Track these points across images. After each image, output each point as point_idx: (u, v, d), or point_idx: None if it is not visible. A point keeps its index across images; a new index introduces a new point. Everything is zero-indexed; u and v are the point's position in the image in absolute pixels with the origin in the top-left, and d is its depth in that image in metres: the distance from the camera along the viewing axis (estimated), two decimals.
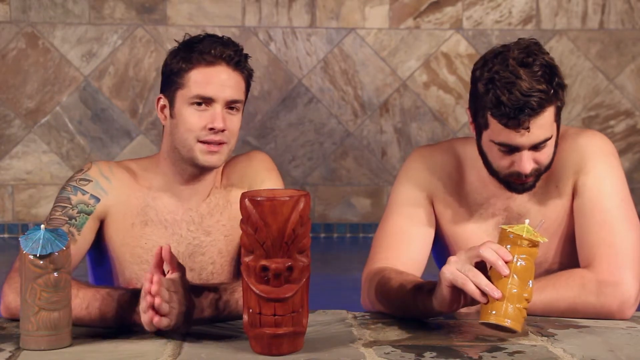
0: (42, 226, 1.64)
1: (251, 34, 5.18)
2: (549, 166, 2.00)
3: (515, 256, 1.65)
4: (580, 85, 5.24)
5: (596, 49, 5.25)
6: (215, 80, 1.97)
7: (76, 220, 1.98)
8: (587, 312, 1.91)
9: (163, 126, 2.08)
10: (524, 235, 1.65)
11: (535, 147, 1.94)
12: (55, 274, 1.62)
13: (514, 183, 1.99)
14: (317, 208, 5.21)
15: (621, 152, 5.11)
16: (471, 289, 1.66)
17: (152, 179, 2.07)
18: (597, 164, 2.04)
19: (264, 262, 1.56)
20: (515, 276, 1.65)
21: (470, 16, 5.22)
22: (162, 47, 5.00)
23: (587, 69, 5.23)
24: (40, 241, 1.61)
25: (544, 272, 2.06)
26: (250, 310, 1.59)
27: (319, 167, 5.25)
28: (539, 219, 2.06)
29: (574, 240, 2.03)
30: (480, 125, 1.97)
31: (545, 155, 1.96)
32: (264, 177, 2.10)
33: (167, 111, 2.03)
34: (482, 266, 1.68)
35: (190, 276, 2.01)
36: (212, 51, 1.97)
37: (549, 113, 1.91)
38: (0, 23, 5.07)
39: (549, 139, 1.94)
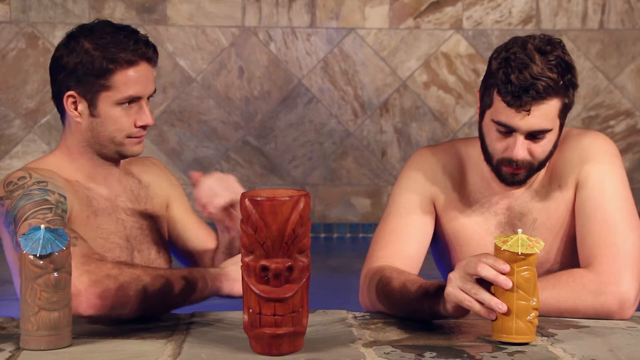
0: (42, 226, 1.64)
1: (251, 34, 5.18)
2: (542, 164, 2.01)
3: (516, 271, 1.64)
4: (580, 85, 5.20)
5: (596, 49, 5.26)
6: (142, 79, 2.00)
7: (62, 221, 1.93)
8: (587, 312, 1.91)
9: (64, 119, 2.06)
10: (519, 253, 1.64)
11: (533, 137, 1.95)
12: (55, 274, 1.62)
13: (505, 171, 2.00)
14: (317, 208, 5.21)
15: (621, 152, 5.07)
16: (477, 309, 1.65)
17: (73, 174, 2.04)
18: (600, 164, 2.04)
19: (264, 262, 1.56)
20: (520, 290, 1.64)
21: (470, 16, 5.22)
22: (162, 47, 5.00)
23: (587, 69, 5.23)
24: (40, 241, 1.61)
25: (545, 272, 2.06)
26: (250, 310, 1.59)
27: (319, 167, 5.25)
28: (541, 218, 2.06)
29: (576, 239, 2.04)
30: (485, 105, 2.00)
31: (540, 149, 1.97)
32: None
33: (83, 109, 2.01)
34: (483, 279, 1.67)
35: (139, 258, 2.07)
36: (136, 50, 1.99)
37: (554, 104, 1.93)
38: (0, 23, 5.08)
39: (548, 131, 1.95)
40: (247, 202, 1.56)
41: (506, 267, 1.63)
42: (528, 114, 1.92)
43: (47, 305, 1.62)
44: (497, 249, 1.65)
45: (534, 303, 1.65)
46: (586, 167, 2.04)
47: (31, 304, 1.62)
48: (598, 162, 2.04)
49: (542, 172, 2.08)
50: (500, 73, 1.93)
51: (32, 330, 1.62)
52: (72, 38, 2.02)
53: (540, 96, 1.91)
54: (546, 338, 1.74)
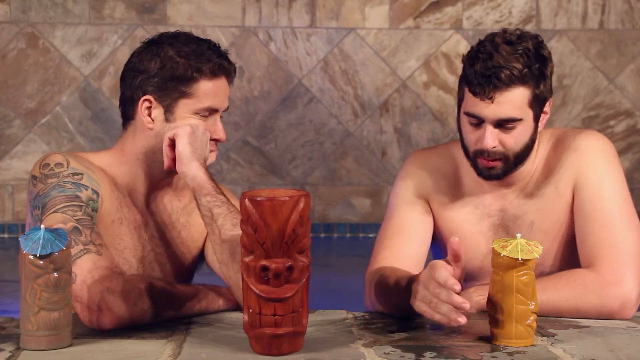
0: (42, 226, 1.64)
1: (251, 34, 5.18)
2: (519, 157, 2.00)
3: (515, 275, 1.64)
4: (580, 85, 5.24)
5: (596, 49, 5.25)
6: (221, 93, 1.99)
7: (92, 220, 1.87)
8: (588, 312, 1.91)
9: (128, 124, 2.01)
10: (519, 259, 1.63)
11: (502, 126, 1.96)
12: (55, 274, 1.62)
13: (481, 164, 2.01)
14: (317, 208, 5.21)
15: (621, 152, 5.10)
16: (437, 319, 1.66)
17: (118, 176, 2.00)
18: (597, 164, 2.04)
19: (264, 262, 1.56)
20: (519, 295, 1.64)
21: (470, 16, 5.22)
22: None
23: (587, 69, 5.23)
24: (40, 241, 1.61)
25: (544, 274, 2.06)
26: (250, 310, 1.59)
27: (319, 167, 5.25)
28: (537, 220, 2.06)
29: (574, 241, 2.03)
30: (460, 100, 2.03)
31: (513, 139, 1.98)
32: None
33: (157, 115, 1.97)
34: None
35: None
36: (220, 64, 1.97)
37: (521, 94, 1.94)
38: (0, 23, 5.07)
39: (517, 120, 1.96)
40: (247, 202, 1.57)
41: (466, 306, 1.62)
42: (492, 102, 1.94)
43: (47, 305, 1.62)
44: (496, 254, 1.65)
45: (533, 307, 1.65)
46: (584, 167, 2.04)
47: (31, 304, 1.62)
48: (596, 162, 2.04)
49: (537, 172, 2.08)
50: (467, 65, 1.97)
51: (32, 330, 1.63)
52: (154, 44, 2.00)
53: (503, 84, 1.93)
54: (546, 338, 1.74)
